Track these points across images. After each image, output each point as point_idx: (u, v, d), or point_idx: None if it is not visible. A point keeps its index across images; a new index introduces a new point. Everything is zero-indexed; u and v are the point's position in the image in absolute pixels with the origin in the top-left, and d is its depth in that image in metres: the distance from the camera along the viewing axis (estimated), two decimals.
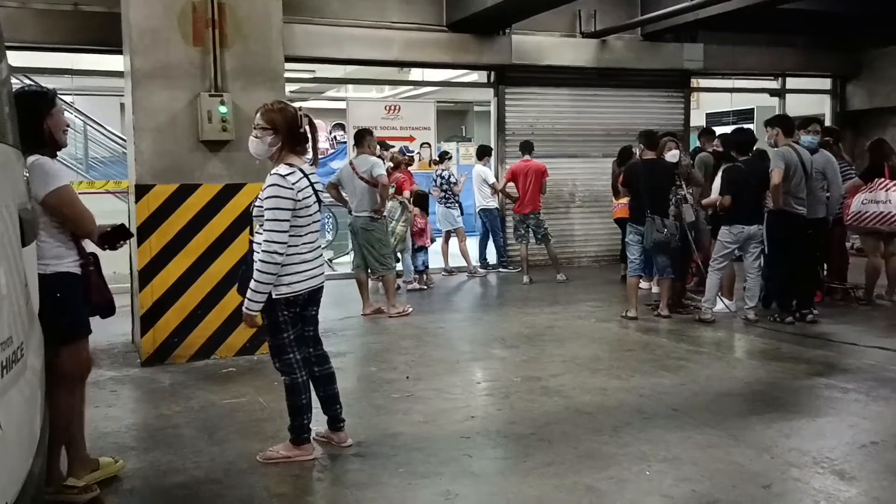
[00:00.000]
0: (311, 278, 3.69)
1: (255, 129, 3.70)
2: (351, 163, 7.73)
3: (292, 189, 3.53)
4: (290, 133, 3.66)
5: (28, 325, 2.26)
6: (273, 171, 3.59)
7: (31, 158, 3.13)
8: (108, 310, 3.50)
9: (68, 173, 3.29)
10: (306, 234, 3.65)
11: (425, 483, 3.52)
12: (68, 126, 3.49)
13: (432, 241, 9.86)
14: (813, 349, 6.01)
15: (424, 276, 9.48)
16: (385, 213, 7.75)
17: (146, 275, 5.67)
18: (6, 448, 1.87)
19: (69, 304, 3.26)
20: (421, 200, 9.56)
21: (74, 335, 3.33)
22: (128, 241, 3.71)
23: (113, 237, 3.59)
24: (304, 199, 3.58)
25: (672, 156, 7.42)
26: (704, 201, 7.33)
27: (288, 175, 3.56)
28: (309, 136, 3.75)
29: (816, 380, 5.10)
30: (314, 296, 3.79)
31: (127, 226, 3.68)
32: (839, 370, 5.33)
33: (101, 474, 3.59)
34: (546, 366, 5.63)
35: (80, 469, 3.46)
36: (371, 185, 7.43)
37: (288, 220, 3.54)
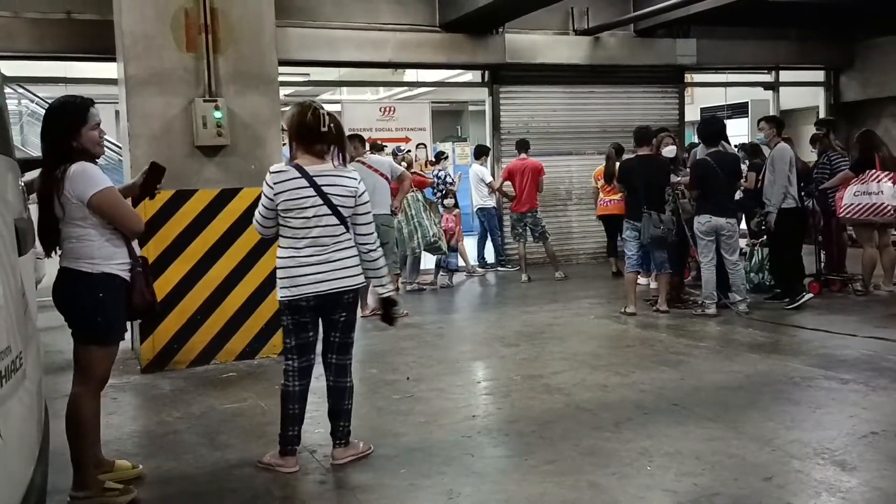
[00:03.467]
0: (317, 283, 3.55)
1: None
2: (362, 162, 7.82)
3: (272, 188, 3.54)
4: (298, 135, 3.59)
5: (27, 335, 2.26)
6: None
7: (74, 165, 3.25)
8: (148, 313, 3.57)
9: (107, 178, 3.41)
10: (304, 238, 3.56)
11: (428, 483, 3.53)
12: (103, 136, 3.50)
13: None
14: (811, 341, 6.02)
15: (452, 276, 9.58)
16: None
17: None
18: (6, 457, 1.87)
19: (109, 306, 3.33)
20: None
21: (109, 339, 3.38)
22: (161, 182, 3.76)
23: (149, 183, 3.66)
24: (286, 199, 3.52)
25: (669, 151, 7.46)
26: (680, 179, 7.35)
27: (275, 172, 3.57)
28: (334, 135, 3.61)
29: (815, 371, 5.11)
30: (331, 301, 3.61)
31: (155, 162, 3.74)
32: (838, 361, 5.33)
33: (114, 476, 3.60)
34: (546, 363, 5.63)
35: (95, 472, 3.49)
36: (388, 182, 7.55)
37: (264, 214, 3.59)
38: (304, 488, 3.59)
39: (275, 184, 3.54)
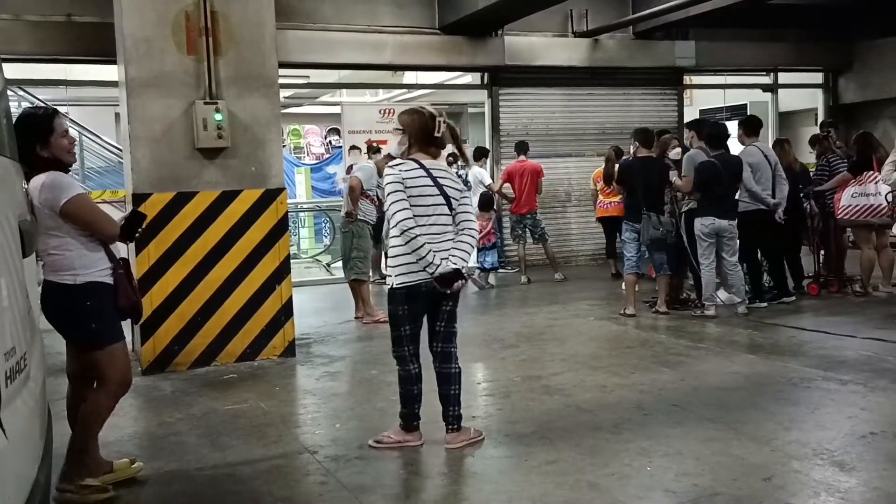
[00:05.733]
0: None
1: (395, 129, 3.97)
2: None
3: (398, 174, 3.76)
4: (420, 135, 3.84)
5: (31, 336, 2.27)
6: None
7: (43, 175, 3.30)
8: (134, 314, 3.63)
9: (78, 185, 3.46)
10: (423, 226, 3.76)
11: (429, 484, 3.54)
12: (73, 143, 3.55)
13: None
14: (810, 341, 6.03)
15: (488, 275, 9.47)
16: (361, 217, 7.56)
17: (145, 283, 5.66)
18: (12, 457, 1.88)
19: (99, 311, 3.40)
20: (486, 202, 9.55)
21: (106, 341, 3.43)
22: (143, 227, 3.82)
23: (129, 228, 3.67)
24: (411, 186, 3.74)
25: (676, 154, 7.47)
26: (675, 183, 7.35)
27: (396, 165, 3.80)
28: (450, 140, 3.95)
29: (814, 372, 5.12)
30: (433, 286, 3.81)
31: (137, 209, 3.78)
32: (837, 362, 5.35)
33: (114, 477, 3.64)
34: (546, 365, 5.65)
35: (96, 471, 3.53)
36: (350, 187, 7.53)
37: (403, 200, 3.73)
38: (304, 489, 3.60)
39: (401, 171, 3.78)
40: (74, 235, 3.34)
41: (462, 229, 3.90)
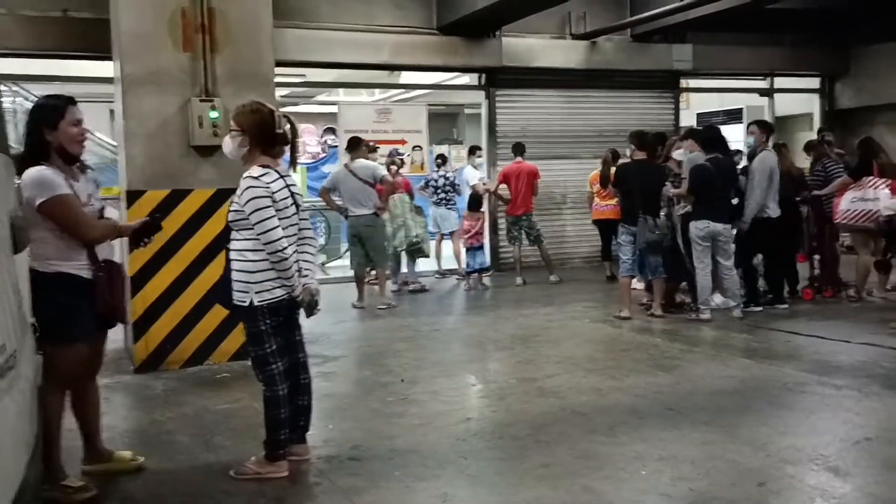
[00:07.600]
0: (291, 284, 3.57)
1: (230, 130, 3.70)
2: (347, 167, 8.00)
3: (267, 188, 3.50)
4: (261, 135, 3.59)
5: (21, 333, 2.24)
6: (246, 175, 3.56)
7: (31, 170, 3.29)
8: (112, 320, 3.57)
9: (64, 185, 3.37)
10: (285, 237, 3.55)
11: (422, 486, 3.52)
12: (84, 135, 3.50)
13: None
14: (805, 346, 6.03)
15: (480, 276, 9.47)
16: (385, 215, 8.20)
17: (138, 281, 5.64)
18: (1, 454, 1.86)
19: (63, 305, 3.30)
20: (475, 200, 9.54)
21: (60, 337, 3.29)
22: (152, 238, 3.77)
23: (140, 234, 3.67)
24: (280, 199, 3.53)
25: (679, 154, 7.46)
26: (673, 191, 7.34)
27: (261, 176, 3.52)
28: (288, 138, 3.68)
29: (810, 377, 5.11)
30: (296, 300, 3.63)
31: (155, 218, 3.73)
32: (832, 367, 5.34)
33: (111, 466, 3.69)
34: (541, 367, 5.63)
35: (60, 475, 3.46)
36: (371, 186, 7.89)
37: (274, 216, 3.48)
38: (297, 490, 3.58)
39: (268, 184, 3.52)
40: (54, 231, 3.32)
41: (303, 238, 3.72)
